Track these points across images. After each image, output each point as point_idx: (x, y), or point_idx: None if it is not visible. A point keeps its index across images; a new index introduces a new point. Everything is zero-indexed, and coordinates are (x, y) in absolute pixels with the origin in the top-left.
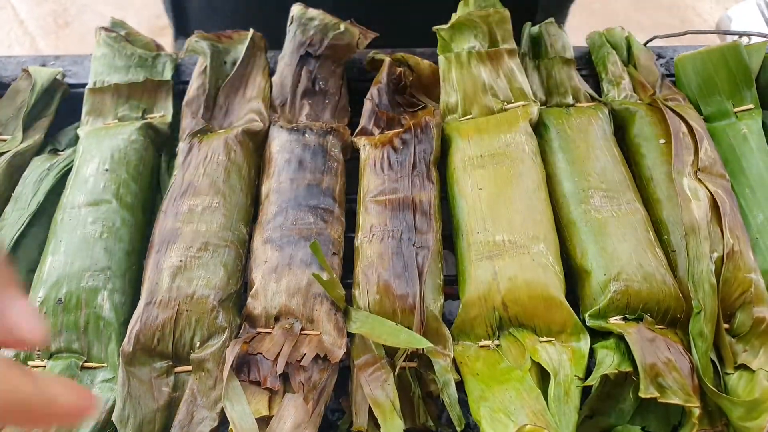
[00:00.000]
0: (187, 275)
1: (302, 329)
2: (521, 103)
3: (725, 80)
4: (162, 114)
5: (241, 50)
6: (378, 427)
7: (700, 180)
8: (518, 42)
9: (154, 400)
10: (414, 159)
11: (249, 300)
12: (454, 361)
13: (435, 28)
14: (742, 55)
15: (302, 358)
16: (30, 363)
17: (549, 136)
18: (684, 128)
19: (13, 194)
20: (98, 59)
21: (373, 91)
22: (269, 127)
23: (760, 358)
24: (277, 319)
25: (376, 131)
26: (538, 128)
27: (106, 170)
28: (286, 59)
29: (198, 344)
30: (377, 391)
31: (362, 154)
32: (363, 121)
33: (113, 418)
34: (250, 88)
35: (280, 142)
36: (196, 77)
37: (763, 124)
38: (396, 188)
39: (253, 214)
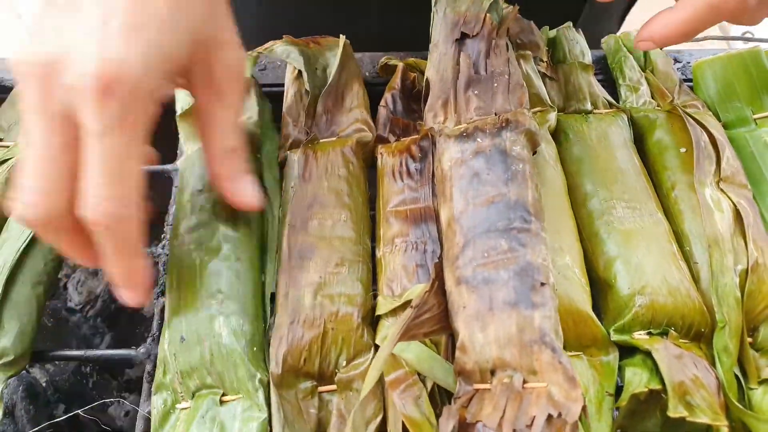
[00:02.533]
0: (328, 292)
1: (524, 382)
2: (538, 109)
3: (745, 86)
4: (248, 116)
5: (329, 57)
6: None
7: (722, 190)
8: None
9: (306, 422)
10: (433, 167)
11: (458, 354)
12: None
13: None
14: (763, 61)
15: (532, 421)
16: (178, 406)
17: (568, 143)
18: (705, 137)
19: None
20: None
21: (387, 97)
22: (439, 138)
23: None
24: (492, 372)
25: (392, 138)
26: (557, 136)
27: (200, 191)
28: (440, 48)
29: (344, 363)
30: (411, 408)
31: (379, 163)
32: (378, 128)
33: None
34: (349, 97)
35: (450, 156)
36: (291, 83)
37: None
38: (417, 198)
39: (371, 228)
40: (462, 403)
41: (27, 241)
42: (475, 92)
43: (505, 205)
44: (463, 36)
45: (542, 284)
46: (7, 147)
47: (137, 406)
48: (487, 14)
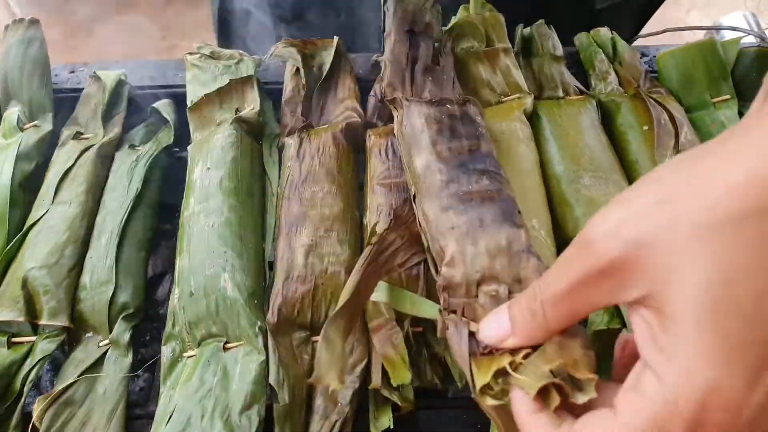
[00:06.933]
0: (318, 253)
1: (510, 293)
2: (517, 95)
3: (703, 74)
4: (251, 107)
5: (324, 56)
6: (392, 385)
7: None
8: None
9: (299, 366)
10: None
11: (445, 270)
12: None
13: None
14: (717, 50)
15: None
16: (185, 355)
17: (541, 125)
18: (665, 116)
19: (106, 186)
20: (190, 82)
21: (376, 87)
22: (405, 105)
23: None
24: (478, 284)
25: (380, 123)
26: (532, 119)
27: (209, 169)
28: (393, 36)
29: None
30: (388, 348)
31: (368, 143)
32: (368, 114)
33: (271, 381)
34: (341, 89)
35: (423, 115)
36: (290, 79)
37: (739, 113)
38: (399, 173)
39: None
40: (462, 315)
41: (127, 211)
42: (431, 78)
43: (480, 154)
44: (411, 31)
45: (519, 212)
46: (87, 138)
47: (151, 383)
48: (433, 20)
